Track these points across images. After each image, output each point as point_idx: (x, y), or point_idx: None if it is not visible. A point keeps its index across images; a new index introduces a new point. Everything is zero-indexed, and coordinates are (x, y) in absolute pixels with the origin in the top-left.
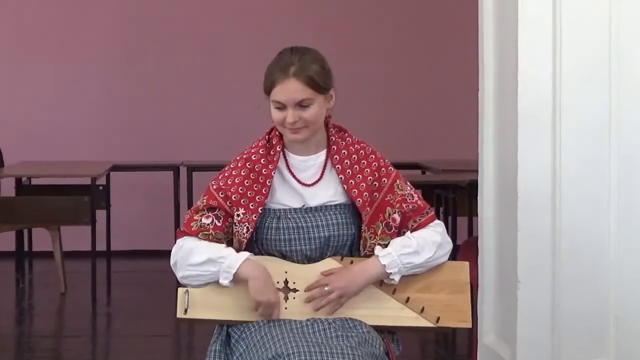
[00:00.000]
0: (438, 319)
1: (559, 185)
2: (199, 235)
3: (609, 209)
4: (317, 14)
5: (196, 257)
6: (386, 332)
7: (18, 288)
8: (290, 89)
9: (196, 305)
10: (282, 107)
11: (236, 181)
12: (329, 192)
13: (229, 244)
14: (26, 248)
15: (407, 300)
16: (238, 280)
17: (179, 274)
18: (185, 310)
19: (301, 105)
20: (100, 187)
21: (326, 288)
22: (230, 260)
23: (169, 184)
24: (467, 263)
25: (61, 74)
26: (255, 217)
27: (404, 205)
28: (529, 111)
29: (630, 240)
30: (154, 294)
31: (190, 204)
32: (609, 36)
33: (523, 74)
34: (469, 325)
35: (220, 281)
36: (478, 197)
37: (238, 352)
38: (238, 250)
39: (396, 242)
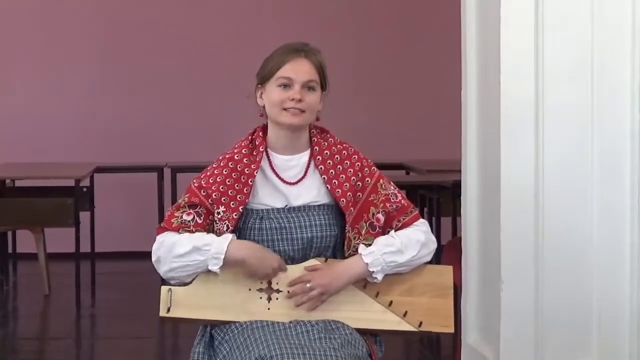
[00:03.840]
0: (420, 323)
1: (542, 185)
2: (179, 232)
3: (592, 209)
4: (301, 15)
5: (180, 248)
6: (369, 333)
7: (2, 290)
8: (303, 67)
9: (179, 304)
10: (289, 84)
11: (218, 180)
12: (312, 193)
13: None
14: (10, 250)
15: (390, 303)
16: (228, 263)
17: (164, 268)
18: (168, 309)
19: (307, 87)
20: (84, 189)
21: (308, 285)
22: (216, 245)
23: (153, 186)
24: (450, 267)
25: (44, 76)
26: (235, 215)
27: (388, 205)
28: (512, 111)
29: (613, 239)
30: (138, 295)
31: None
32: (591, 35)
33: (505, 74)
34: (451, 331)
35: (210, 267)
36: (461, 197)
37: (221, 354)
38: None
39: (380, 241)
